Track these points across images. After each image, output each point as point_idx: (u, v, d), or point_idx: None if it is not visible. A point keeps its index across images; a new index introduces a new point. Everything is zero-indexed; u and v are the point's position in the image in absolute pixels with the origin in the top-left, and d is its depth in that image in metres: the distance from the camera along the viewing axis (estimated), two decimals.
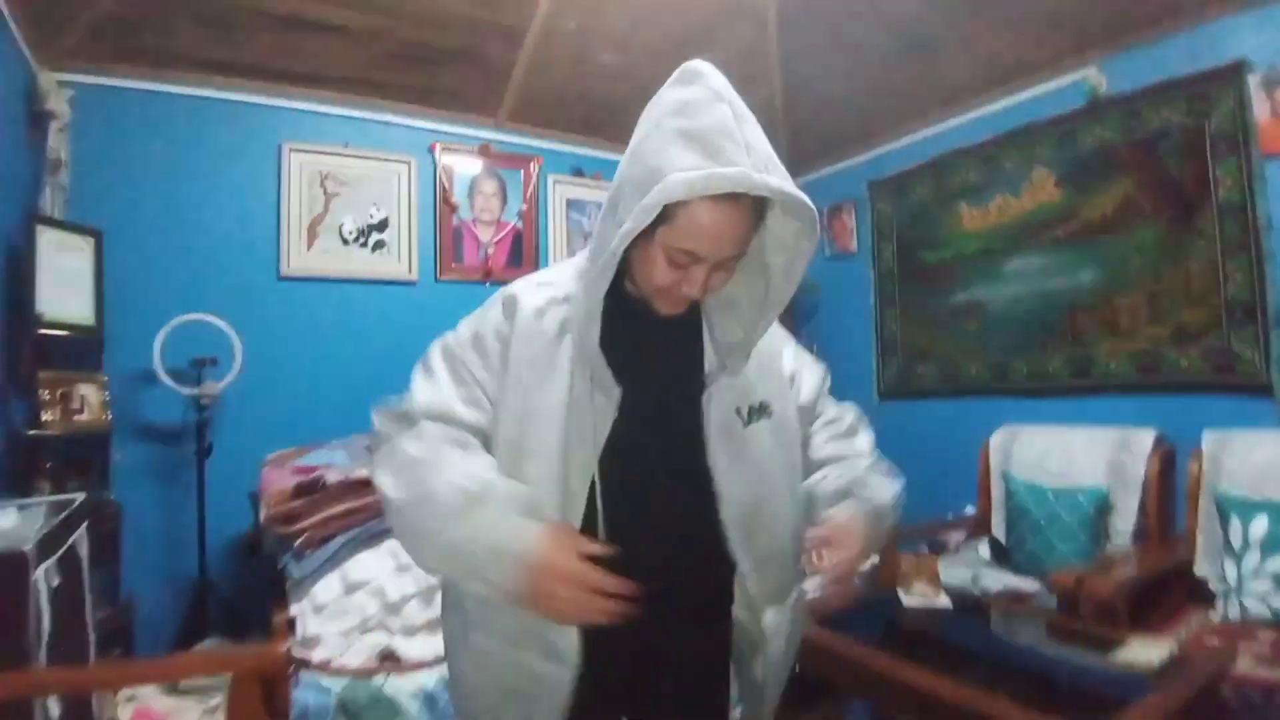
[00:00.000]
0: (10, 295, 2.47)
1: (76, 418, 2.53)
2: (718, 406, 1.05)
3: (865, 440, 1.21)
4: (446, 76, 3.32)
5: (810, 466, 1.17)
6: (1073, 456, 2.71)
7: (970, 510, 3.06)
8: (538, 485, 0.96)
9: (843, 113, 3.75)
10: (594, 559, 0.88)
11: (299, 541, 2.21)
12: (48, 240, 2.50)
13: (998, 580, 2.52)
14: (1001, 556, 2.76)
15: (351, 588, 2.17)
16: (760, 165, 0.87)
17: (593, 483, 0.99)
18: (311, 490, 2.31)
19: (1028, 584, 2.48)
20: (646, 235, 0.92)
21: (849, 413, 1.25)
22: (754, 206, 0.92)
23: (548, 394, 0.99)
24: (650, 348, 1.07)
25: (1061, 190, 3.00)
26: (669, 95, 0.94)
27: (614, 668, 1.01)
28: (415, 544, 0.95)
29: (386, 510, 0.96)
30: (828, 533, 1.02)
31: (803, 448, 1.17)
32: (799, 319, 4.29)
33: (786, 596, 1.12)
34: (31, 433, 2.41)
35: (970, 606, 2.24)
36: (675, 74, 0.96)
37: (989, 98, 3.29)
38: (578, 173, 3.99)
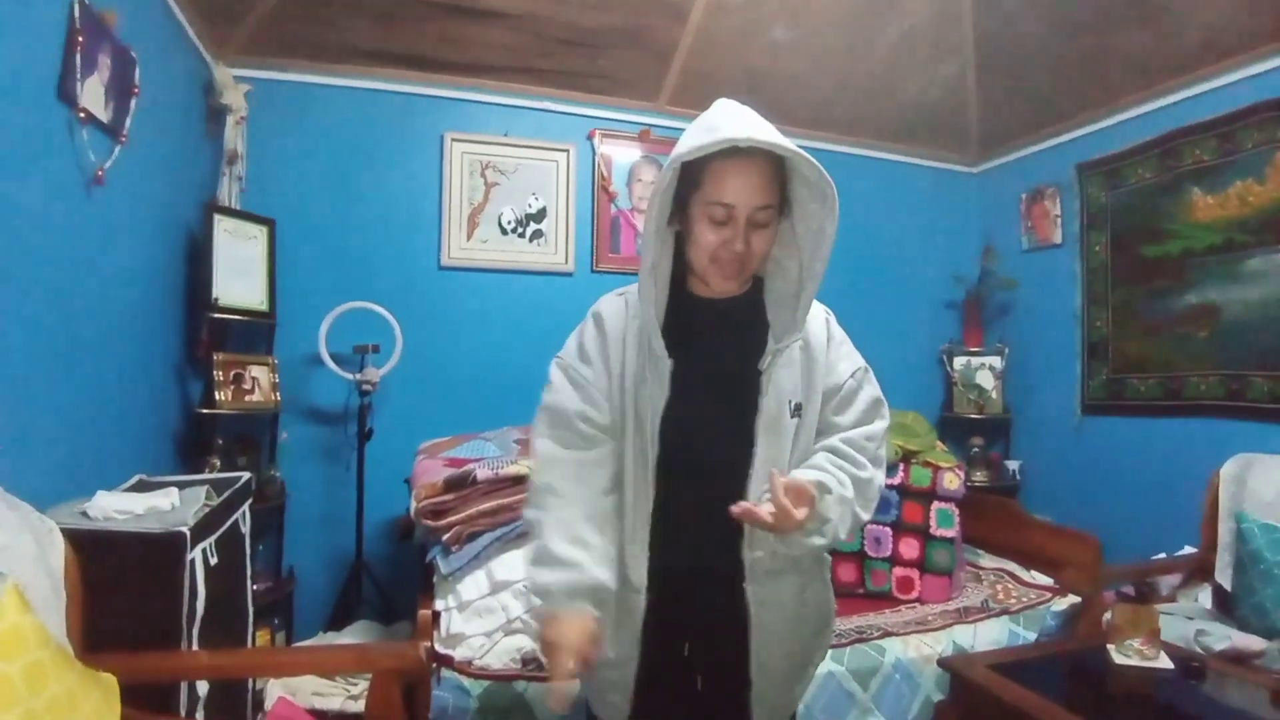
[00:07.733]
0: (189, 280, 2.60)
1: (248, 398, 2.62)
2: (774, 391, 1.22)
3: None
4: (607, 59, 3.18)
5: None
6: None
7: (1189, 550, 2.62)
8: (630, 452, 1.24)
9: (1047, 85, 3.29)
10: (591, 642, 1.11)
11: (446, 536, 2.17)
12: (224, 228, 2.60)
13: (1223, 636, 2.13)
14: (1225, 607, 2.36)
15: (497, 587, 2.13)
16: (756, 130, 1.09)
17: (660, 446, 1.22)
18: (461, 485, 2.26)
19: (1254, 642, 2.10)
20: (688, 215, 1.19)
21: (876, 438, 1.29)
22: (773, 168, 1.15)
23: (629, 378, 1.24)
24: (711, 334, 1.27)
25: None
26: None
27: (672, 597, 1.26)
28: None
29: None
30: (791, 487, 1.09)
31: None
32: (988, 318, 3.82)
33: (781, 574, 1.26)
34: (205, 410, 2.51)
35: (1192, 670, 1.89)
36: None
37: (1223, 68, 2.78)
38: None
